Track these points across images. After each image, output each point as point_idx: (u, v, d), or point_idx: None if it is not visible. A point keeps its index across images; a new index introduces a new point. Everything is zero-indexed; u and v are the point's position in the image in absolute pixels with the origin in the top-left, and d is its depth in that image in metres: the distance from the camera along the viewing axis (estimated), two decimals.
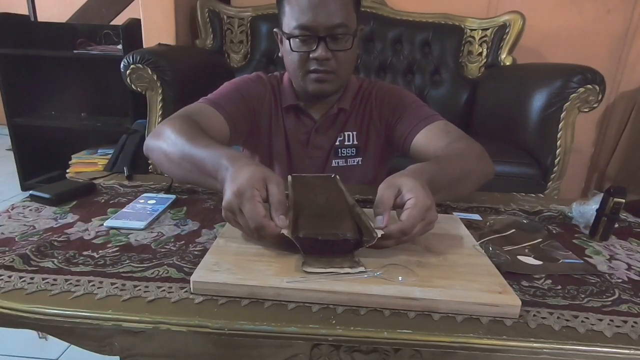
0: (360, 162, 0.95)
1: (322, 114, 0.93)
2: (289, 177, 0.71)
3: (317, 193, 0.64)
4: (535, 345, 0.40)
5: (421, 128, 0.84)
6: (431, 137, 0.83)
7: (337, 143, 0.94)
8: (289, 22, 0.81)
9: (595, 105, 1.37)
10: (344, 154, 0.94)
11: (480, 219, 0.69)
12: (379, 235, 0.48)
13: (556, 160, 1.40)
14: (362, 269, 0.47)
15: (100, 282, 0.46)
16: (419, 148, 0.84)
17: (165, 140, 0.70)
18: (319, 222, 0.53)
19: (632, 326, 0.43)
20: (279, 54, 0.91)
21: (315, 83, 0.85)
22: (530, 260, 0.55)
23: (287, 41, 0.83)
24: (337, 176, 0.73)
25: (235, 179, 0.52)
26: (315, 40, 0.80)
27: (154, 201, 0.69)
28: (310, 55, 0.81)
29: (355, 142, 0.94)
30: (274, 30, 0.91)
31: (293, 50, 0.83)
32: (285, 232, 0.49)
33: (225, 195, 0.52)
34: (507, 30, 1.82)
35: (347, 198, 0.63)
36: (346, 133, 0.94)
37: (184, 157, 0.65)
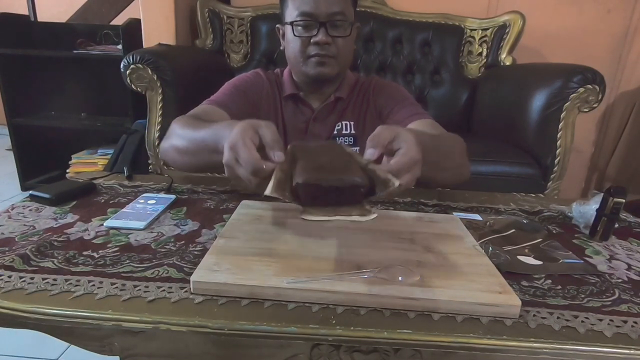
0: (357, 151, 0.96)
1: (320, 103, 0.97)
2: (289, 146, 0.65)
3: (321, 154, 0.58)
4: (535, 345, 0.40)
5: (411, 122, 0.87)
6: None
7: (335, 132, 0.97)
8: (291, 12, 0.87)
9: (595, 105, 1.37)
10: (342, 142, 0.97)
11: (480, 219, 0.69)
12: (397, 185, 0.43)
13: (556, 160, 1.39)
14: (374, 216, 0.42)
15: (100, 282, 0.46)
16: None
17: (173, 137, 0.75)
18: (322, 170, 0.47)
19: (632, 326, 0.43)
20: (281, 47, 0.96)
21: (316, 66, 0.89)
22: (530, 260, 0.55)
23: (290, 28, 0.88)
24: (344, 143, 0.69)
25: (229, 137, 0.54)
26: (316, 26, 0.85)
27: (154, 201, 0.69)
28: (312, 40, 0.87)
29: (353, 132, 0.97)
30: (276, 26, 0.96)
31: (295, 36, 0.88)
32: (269, 189, 0.43)
33: (224, 153, 0.54)
34: (507, 30, 1.82)
35: (358, 159, 0.56)
36: (344, 122, 0.97)
37: (191, 143, 0.70)
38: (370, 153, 0.52)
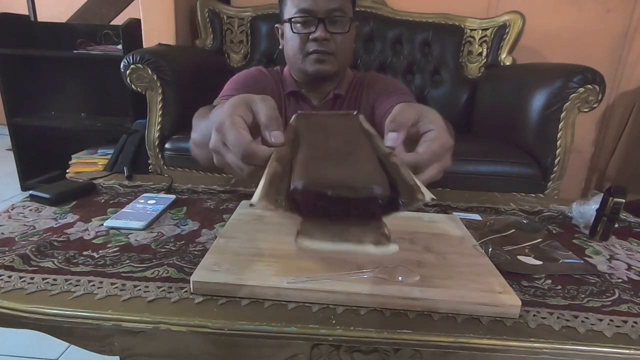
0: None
1: (319, 101, 0.97)
2: (293, 117, 0.54)
3: (330, 134, 0.45)
4: (535, 345, 0.40)
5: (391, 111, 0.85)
6: None
7: None
8: (290, 9, 0.87)
9: (595, 105, 1.37)
10: (358, 114, 0.96)
11: (480, 219, 0.69)
12: (428, 200, 0.32)
13: (556, 160, 1.39)
14: (394, 248, 0.32)
15: (100, 282, 0.46)
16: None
17: (192, 132, 0.72)
18: (329, 168, 0.35)
19: (632, 326, 0.43)
20: (280, 47, 0.95)
21: (315, 63, 0.89)
22: (530, 260, 0.55)
23: (289, 25, 0.88)
24: (362, 115, 0.54)
25: (217, 116, 0.43)
26: (315, 22, 0.85)
27: (154, 201, 0.69)
28: (310, 37, 0.86)
29: None
30: (275, 25, 0.96)
31: (294, 33, 0.87)
32: (256, 196, 0.31)
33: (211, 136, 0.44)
34: (507, 30, 1.82)
35: (377, 143, 0.44)
36: None
37: (200, 134, 0.67)
38: (392, 138, 0.41)
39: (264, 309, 0.43)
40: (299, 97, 0.97)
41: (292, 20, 0.87)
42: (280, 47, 0.96)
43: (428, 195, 0.32)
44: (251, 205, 0.31)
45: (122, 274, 0.48)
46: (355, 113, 0.54)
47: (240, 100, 0.43)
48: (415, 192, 0.33)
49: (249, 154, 0.39)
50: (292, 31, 0.88)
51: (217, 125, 0.41)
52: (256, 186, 0.34)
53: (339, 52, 0.89)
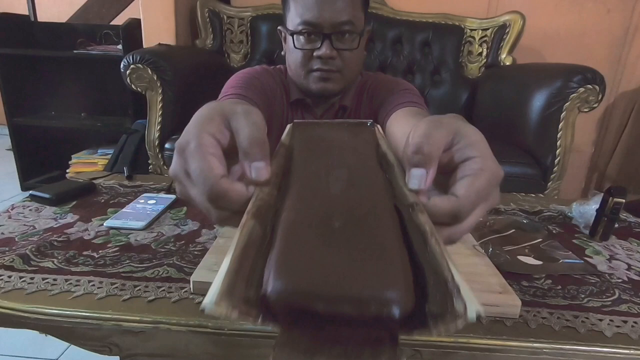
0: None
1: (324, 110, 0.91)
2: (287, 128, 0.41)
3: (334, 166, 0.32)
4: (535, 345, 0.40)
5: (398, 109, 0.77)
6: (400, 119, 0.75)
7: None
8: (294, 18, 0.78)
9: (595, 105, 1.37)
10: (373, 124, 0.90)
11: (480, 218, 0.69)
12: (472, 317, 0.19)
13: (556, 160, 1.40)
14: None
15: (100, 282, 0.46)
16: (388, 133, 0.77)
17: None
18: (322, 253, 0.22)
19: (632, 326, 0.43)
20: (282, 52, 0.88)
21: (318, 82, 0.81)
22: (530, 260, 0.55)
23: (291, 38, 0.80)
24: (378, 126, 0.42)
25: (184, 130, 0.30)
26: (320, 37, 0.76)
27: (154, 201, 0.69)
28: (315, 54, 0.78)
29: None
30: (278, 28, 0.88)
31: (297, 48, 0.79)
32: (212, 294, 0.20)
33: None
34: (507, 30, 1.82)
35: (397, 183, 0.30)
36: None
37: None
38: (418, 177, 0.28)
39: None
40: (303, 107, 0.90)
41: (295, 34, 0.78)
42: (282, 53, 0.88)
43: (473, 308, 0.19)
44: (202, 310, 0.20)
45: (122, 274, 0.48)
46: (369, 124, 0.43)
47: (214, 111, 0.29)
48: (451, 300, 0.20)
49: (218, 195, 0.27)
50: (295, 46, 0.79)
51: (179, 146, 0.28)
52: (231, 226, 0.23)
53: (346, 69, 0.80)
